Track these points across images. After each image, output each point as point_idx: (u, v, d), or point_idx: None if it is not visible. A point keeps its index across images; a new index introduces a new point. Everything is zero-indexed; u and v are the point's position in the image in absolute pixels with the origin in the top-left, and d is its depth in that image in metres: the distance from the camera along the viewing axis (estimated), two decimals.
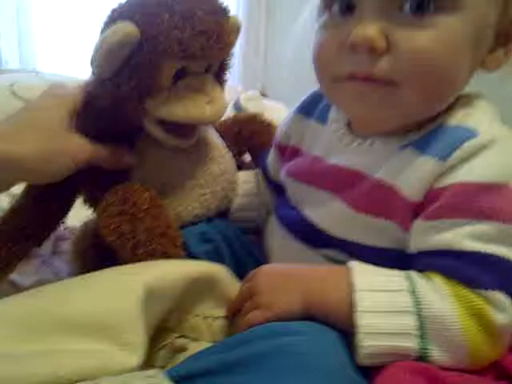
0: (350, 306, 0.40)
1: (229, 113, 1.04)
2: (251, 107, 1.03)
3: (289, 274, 0.45)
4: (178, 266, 0.47)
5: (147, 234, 0.49)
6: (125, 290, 0.41)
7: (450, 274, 0.40)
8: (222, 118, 0.58)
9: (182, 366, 0.40)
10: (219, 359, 0.38)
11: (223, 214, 0.61)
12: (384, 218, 0.44)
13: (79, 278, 0.45)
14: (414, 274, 0.42)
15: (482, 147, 0.40)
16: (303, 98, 0.58)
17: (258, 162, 0.66)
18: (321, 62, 0.46)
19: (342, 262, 0.45)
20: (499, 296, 0.39)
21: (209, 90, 0.52)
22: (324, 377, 0.35)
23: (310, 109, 0.56)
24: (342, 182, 0.48)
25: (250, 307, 0.44)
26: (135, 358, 0.38)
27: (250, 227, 0.64)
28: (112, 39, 0.47)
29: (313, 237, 0.50)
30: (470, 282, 0.40)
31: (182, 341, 0.46)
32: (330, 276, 0.44)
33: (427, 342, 0.39)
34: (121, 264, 0.47)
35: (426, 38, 0.39)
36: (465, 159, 0.40)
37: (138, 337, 0.39)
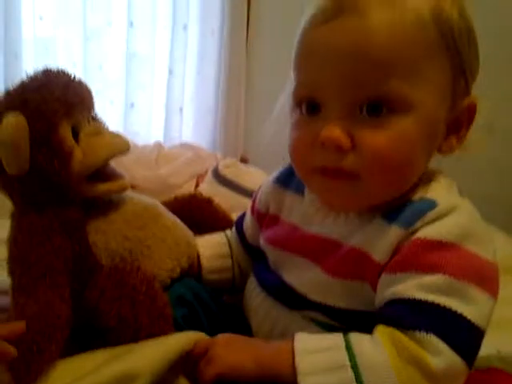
0: (291, 367, 0.44)
1: (210, 179, 1.08)
2: (229, 174, 1.07)
3: (245, 340, 0.50)
4: (160, 349, 0.48)
5: (148, 318, 0.50)
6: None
7: (391, 321, 0.44)
8: (163, 200, 0.66)
9: None
10: None
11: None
12: (358, 280, 0.48)
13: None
14: (352, 332, 0.45)
15: (441, 215, 0.45)
16: (280, 170, 0.62)
17: (235, 225, 0.69)
18: (295, 156, 0.51)
19: (322, 323, 0.50)
20: (433, 340, 0.42)
21: (102, 128, 0.59)
22: None
23: (288, 180, 0.59)
24: (319, 250, 0.52)
25: (206, 358, 0.48)
26: None
27: (225, 288, 0.66)
28: (4, 137, 0.52)
29: (292, 300, 0.53)
30: (407, 327, 0.43)
31: None
32: (277, 345, 0.48)
33: None
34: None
35: (384, 137, 0.44)
36: (425, 225, 0.45)
37: None
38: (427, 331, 0.42)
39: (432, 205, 0.46)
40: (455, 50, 0.45)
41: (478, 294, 0.44)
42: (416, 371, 0.41)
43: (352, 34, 0.44)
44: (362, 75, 0.44)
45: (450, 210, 0.46)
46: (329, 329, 0.49)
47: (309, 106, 0.48)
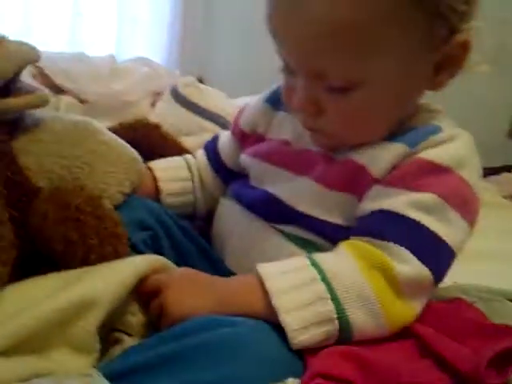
0: (263, 294, 0.44)
1: (168, 99, 1.02)
2: (189, 94, 1.02)
3: (202, 279, 0.48)
4: (117, 273, 0.46)
5: (97, 238, 0.47)
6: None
7: (366, 231, 0.46)
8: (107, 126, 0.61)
9: (117, 362, 0.41)
10: (156, 353, 0.39)
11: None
12: (350, 193, 0.49)
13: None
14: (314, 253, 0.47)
15: (445, 140, 0.48)
16: (271, 90, 0.61)
17: (205, 149, 0.67)
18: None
19: (300, 239, 0.51)
20: (402, 250, 0.44)
21: (3, 39, 0.52)
22: (258, 364, 0.39)
23: (278, 100, 0.58)
24: (312, 163, 0.53)
25: (158, 303, 0.45)
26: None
27: (187, 212, 0.65)
28: None
29: (275, 213, 0.53)
30: (376, 236, 0.45)
31: (117, 334, 0.46)
32: (239, 282, 0.47)
33: (340, 301, 0.43)
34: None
35: (343, 107, 0.47)
36: (427, 147, 0.47)
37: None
38: (400, 244, 0.45)
39: (437, 130, 0.48)
40: None
41: (459, 220, 0.46)
42: (379, 274, 0.44)
43: (303, 13, 0.44)
44: (310, 60, 0.46)
45: (453, 137, 0.48)
46: (306, 246, 0.51)
47: (285, 67, 0.50)
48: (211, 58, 1.77)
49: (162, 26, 1.74)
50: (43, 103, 0.53)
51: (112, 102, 1.03)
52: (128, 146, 0.61)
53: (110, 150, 0.57)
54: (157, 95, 1.08)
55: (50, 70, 1.06)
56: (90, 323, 0.42)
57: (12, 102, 0.51)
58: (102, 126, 0.60)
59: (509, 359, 0.41)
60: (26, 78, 1.03)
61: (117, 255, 0.48)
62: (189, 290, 0.45)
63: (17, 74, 0.52)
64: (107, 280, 0.44)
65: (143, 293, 0.46)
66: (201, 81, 1.54)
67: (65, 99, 1.02)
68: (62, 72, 1.08)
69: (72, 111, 1.01)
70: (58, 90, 1.06)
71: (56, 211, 0.47)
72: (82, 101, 1.06)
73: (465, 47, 0.47)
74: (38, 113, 0.56)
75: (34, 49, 0.53)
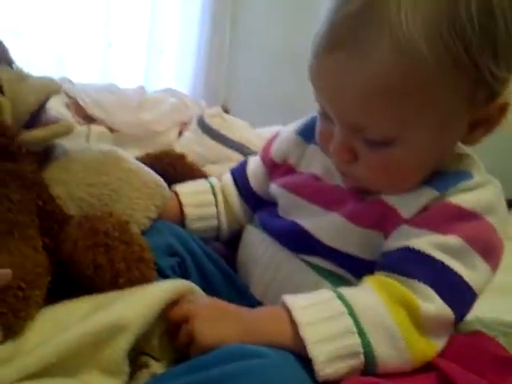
0: (290, 326, 0.45)
1: (195, 129, 1.06)
2: (215, 124, 1.05)
3: (229, 310, 0.48)
4: (146, 298, 0.47)
5: (125, 263, 0.49)
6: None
7: (392, 267, 0.47)
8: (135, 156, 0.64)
9: None
10: (184, 382, 0.40)
11: None
12: (378, 231, 0.51)
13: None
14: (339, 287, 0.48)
15: (472, 187, 0.49)
16: (304, 122, 0.63)
17: (232, 174, 0.69)
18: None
19: (325, 270, 0.52)
20: (427, 289, 0.45)
21: (26, 74, 0.57)
22: None
23: (311, 133, 0.59)
24: (342, 200, 0.54)
25: (186, 331, 0.46)
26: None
27: (210, 235, 0.66)
28: None
29: (302, 244, 0.54)
30: (401, 273, 0.46)
31: (144, 358, 0.47)
32: (267, 312, 0.48)
33: (366, 336, 0.44)
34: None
35: (377, 160, 0.48)
36: (459, 192, 0.48)
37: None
38: (425, 282, 0.46)
39: (468, 176, 0.49)
40: (469, 62, 0.43)
41: (482, 264, 0.47)
42: (404, 311, 0.44)
43: (345, 73, 0.45)
44: (348, 114, 0.47)
45: (482, 184, 0.49)
46: (329, 277, 0.52)
47: (321, 111, 0.52)
48: (236, 88, 1.81)
49: (189, 57, 1.79)
50: (68, 131, 0.56)
51: (141, 132, 1.06)
52: (153, 172, 0.63)
53: (135, 177, 0.60)
54: (184, 125, 1.11)
55: (83, 100, 1.11)
56: (120, 346, 0.43)
57: (39, 132, 0.54)
58: (127, 154, 0.63)
59: None
60: (60, 107, 1.08)
61: (144, 279, 0.49)
62: (217, 320, 0.46)
63: (41, 106, 0.55)
64: (137, 304, 0.46)
65: (172, 320, 0.47)
66: (226, 110, 1.57)
67: (96, 128, 1.06)
68: (93, 102, 1.12)
69: (102, 140, 1.04)
70: (90, 120, 1.10)
71: (85, 237, 0.49)
72: (112, 130, 1.10)
73: (503, 109, 0.48)
74: (67, 144, 0.59)
75: (54, 81, 0.57)
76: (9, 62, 0.57)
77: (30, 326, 0.45)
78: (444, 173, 0.50)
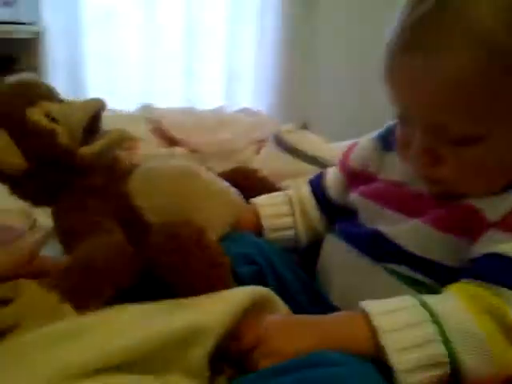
0: (369, 331, 0.43)
1: (271, 145, 1.07)
2: (291, 139, 1.06)
3: (303, 320, 0.48)
4: (226, 303, 0.48)
5: (203, 268, 0.50)
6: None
7: (480, 274, 0.45)
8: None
9: None
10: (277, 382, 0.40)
11: None
12: (462, 236, 0.49)
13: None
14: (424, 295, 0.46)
15: None
16: (384, 130, 0.63)
17: (310, 185, 0.70)
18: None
19: (407, 277, 0.51)
20: None
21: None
22: None
23: (389, 142, 0.60)
24: (424, 206, 0.53)
25: (263, 352, 0.45)
26: None
27: (288, 245, 0.67)
28: None
29: (384, 251, 0.54)
30: (488, 280, 0.44)
31: (219, 364, 0.47)
32: (344, 318, 0.47)
33: (452, 345, 0.41)
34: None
35: (459, 161, 0.47)
36: None
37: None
38: None
39: None
40: None
41: None
42: (492, 320, 0.42)
43: (424, 71, 0.45)
44: (430, 114, 0.47)
45: None
46: (412, 284, 0.50)
47: (399, 115, 0.52)
48: (315, 106, 1.82)
49: (266, 80, 1.83)
50: (121, 136, 0.62)
51: (219, 151, 1.10)
52: (227, 184, 0.66)
53: (211, 188, 0.63)
54: (261, 143, 1.13)
55: (166, 124, 1.17)
56: (203, 349, 0.44)
57: (95, 144, 0.59)
58: (203, 168, 0.68)
59: None
60: (145, 133, 1.15)
61: (221, 285, 0.50)
62: (294, 331, 0.46)
63: (93, 121, 0.60)
64: (217, 309, 0.47)
65: (250, 331, 0.47)
66: (305, 127, 1.58)
67: (178, 150, 1.11)
68: (175, 125, 1.18)
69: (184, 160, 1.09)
70: (173, 143, 1.16)
71: (165, 243, 0.51)
72: (194, 151, 1.14)
73: None
74: (150, 160, 0.66)
75: (99, 99, 0.62)
76: (59, 100, 0.63)
77: (113, 319, 0.46)
78: None
